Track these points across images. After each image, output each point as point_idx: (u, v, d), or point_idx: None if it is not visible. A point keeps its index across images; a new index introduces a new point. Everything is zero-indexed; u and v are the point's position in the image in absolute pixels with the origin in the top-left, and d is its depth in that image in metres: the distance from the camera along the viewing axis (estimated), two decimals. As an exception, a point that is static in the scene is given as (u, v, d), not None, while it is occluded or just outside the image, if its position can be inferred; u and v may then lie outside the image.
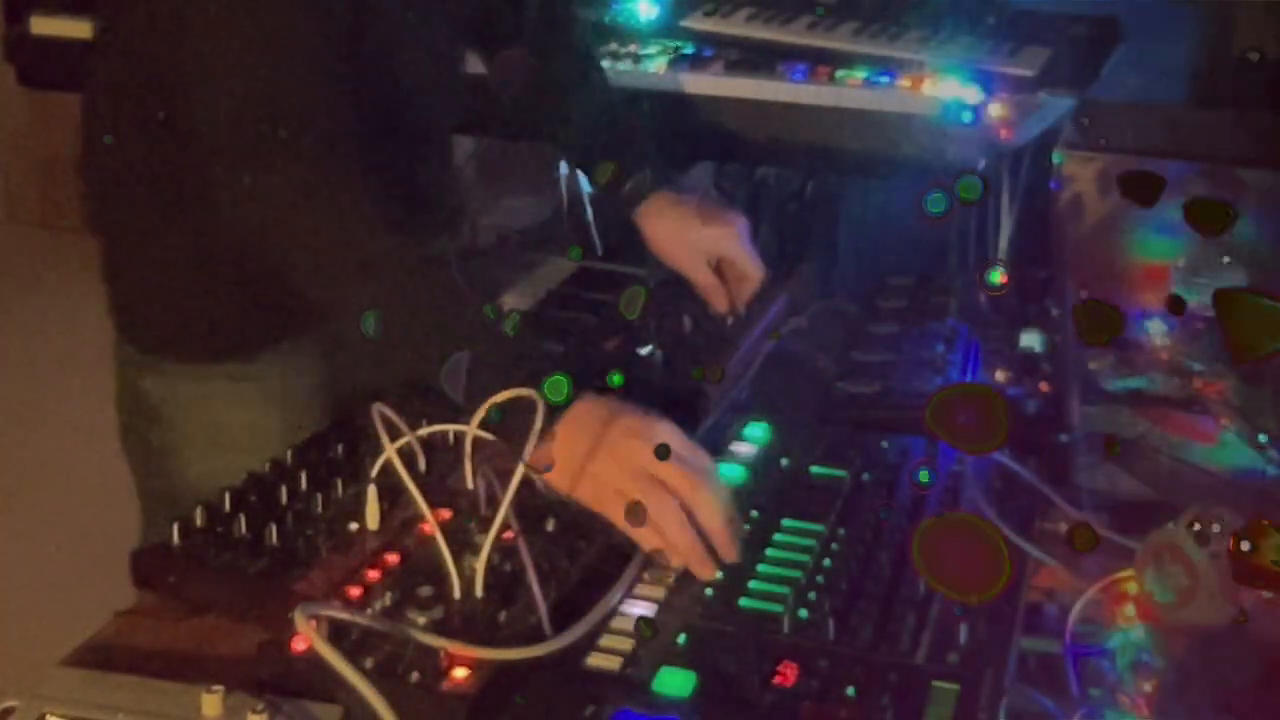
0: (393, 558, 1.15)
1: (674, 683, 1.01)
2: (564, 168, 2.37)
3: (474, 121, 1.89)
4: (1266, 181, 1.29)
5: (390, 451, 1.17)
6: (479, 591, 1.10)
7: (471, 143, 2.47)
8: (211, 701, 0.97)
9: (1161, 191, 0.86)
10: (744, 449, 1.34)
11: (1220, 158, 1.30)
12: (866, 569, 1.14)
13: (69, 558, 2.97)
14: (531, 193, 2.72)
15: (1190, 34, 2.22)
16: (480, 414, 1.22)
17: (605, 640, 1.06)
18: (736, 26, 2.10)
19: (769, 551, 1.17)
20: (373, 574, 1.13)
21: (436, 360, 1.17)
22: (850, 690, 0.99)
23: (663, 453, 1.12)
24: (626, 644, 1.05)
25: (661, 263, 1.65)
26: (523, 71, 1.11)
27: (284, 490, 1.24)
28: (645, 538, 1.15)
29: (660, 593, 1.12)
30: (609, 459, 1.17)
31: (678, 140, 1.94)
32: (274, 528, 1.17)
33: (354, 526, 1.19)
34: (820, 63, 1.98)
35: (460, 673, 1.01)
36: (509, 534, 1.11)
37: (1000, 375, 1.47)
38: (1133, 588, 1.12)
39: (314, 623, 1.01)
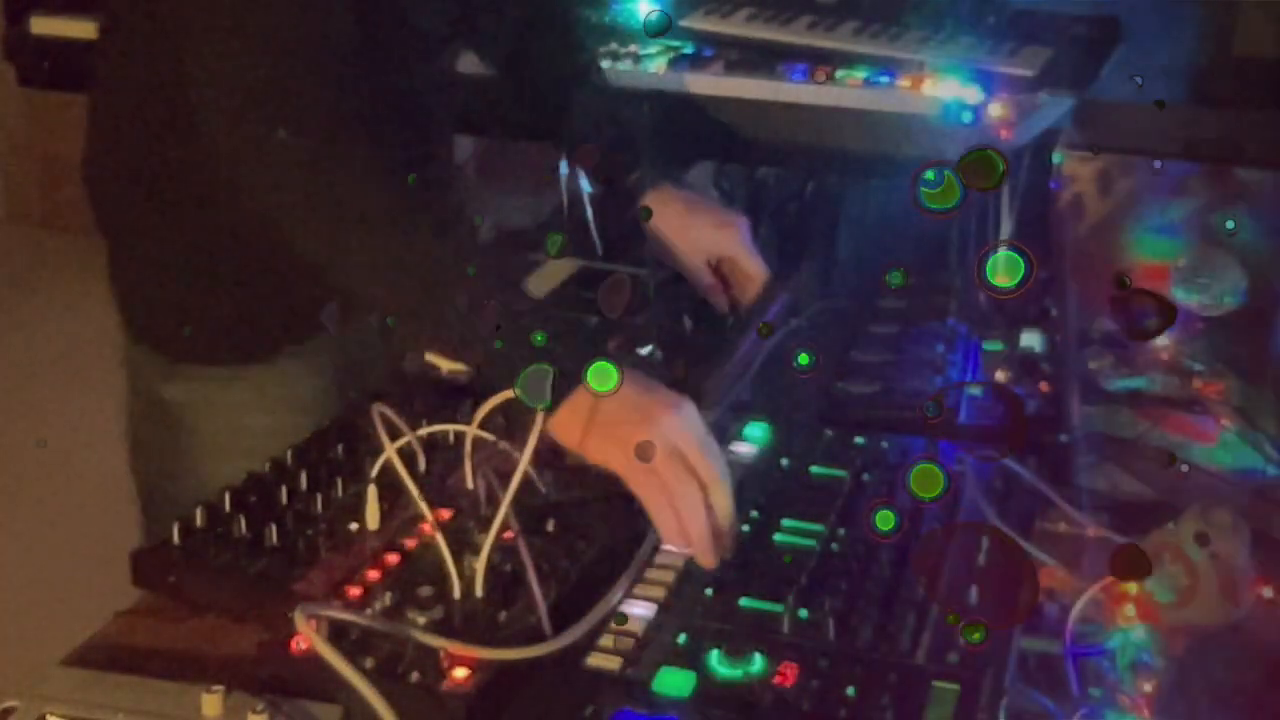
0: (393, 558, 1.15)
1: (674, 683, 1.01)
2: (564, 168, 2.36)
3: (474, 121, 1.89)
4: (1267, 181, 1.29)
5: (390, 451, 1.17)
6: (479, 591, 1.10)
7: (471, 143, 2.47)
8: (211, 701, 0.97)
9: (1004, 175, 0.83)
10: (744, 449, 1.34)
11: (1220, 158, 1.30)
12: (866, 569, 1.14)
13: (69, 558, 2.97)
14: (531, 193, 2.72)
15: (1190, 34, 2.22)
16: (481, 414, 1.22)
17: (605, 640, 1.06)
18: (736, 26, 2.09)
19: (769, 552, 1.17)
20: (373, 574, 1.13)
21: (455, 320, 1.19)
22: (850, 690, 0.99)
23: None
24: (626, 644, 1.05)
25: (662, 262, 1.65)
26: (628, 297, 1.15)
27: (284, 490, 1.24)
28: (660, 509, 1.14)
29: (660, 593, 1.12)
30: (643, 421, 1.16)
31: (678, 140, 1.94)
32: (274, 528, 1.17)
33: (354, 526, 1.19)
34: (820, 63, 1.97)
35: (460, 673, 1.01)
36: (509, 534, 1.11)
37: (1000, 375, 1.47)
38: (1133, 588, 1.12)
39: (314, 623, 1.01)
